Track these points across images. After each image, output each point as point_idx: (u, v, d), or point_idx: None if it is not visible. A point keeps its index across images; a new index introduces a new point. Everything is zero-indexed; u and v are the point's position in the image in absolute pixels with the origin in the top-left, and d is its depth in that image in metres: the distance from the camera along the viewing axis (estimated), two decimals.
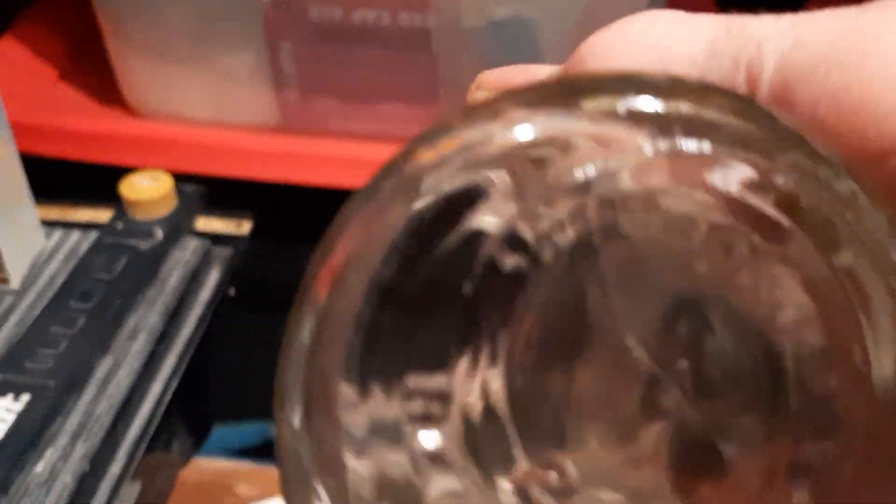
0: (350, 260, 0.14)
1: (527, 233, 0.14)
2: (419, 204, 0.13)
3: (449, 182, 0.13)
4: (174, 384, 0.46)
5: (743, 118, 0.13)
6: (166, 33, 0.67)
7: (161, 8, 0.66)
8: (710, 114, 0.13)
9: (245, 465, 0.52)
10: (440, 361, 0.14)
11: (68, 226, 0.50)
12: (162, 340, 0.46)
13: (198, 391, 0.51)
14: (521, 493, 0.15)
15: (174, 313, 0.47)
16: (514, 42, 0.65)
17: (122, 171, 0.54)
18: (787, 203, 0.13)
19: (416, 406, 0.14)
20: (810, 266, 0.13)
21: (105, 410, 0.43)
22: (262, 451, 0.58)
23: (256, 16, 0.63)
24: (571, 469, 0.15)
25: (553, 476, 0.15)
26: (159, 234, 0.48)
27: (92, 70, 0.70)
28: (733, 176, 0.13)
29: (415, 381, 0.14)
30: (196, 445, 0.52)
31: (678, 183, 0.13)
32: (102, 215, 0.51)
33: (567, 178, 0.13)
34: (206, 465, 0.51)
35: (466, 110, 0.14)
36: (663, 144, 0.13)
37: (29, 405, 0.41)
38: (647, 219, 0.14)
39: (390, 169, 0.14)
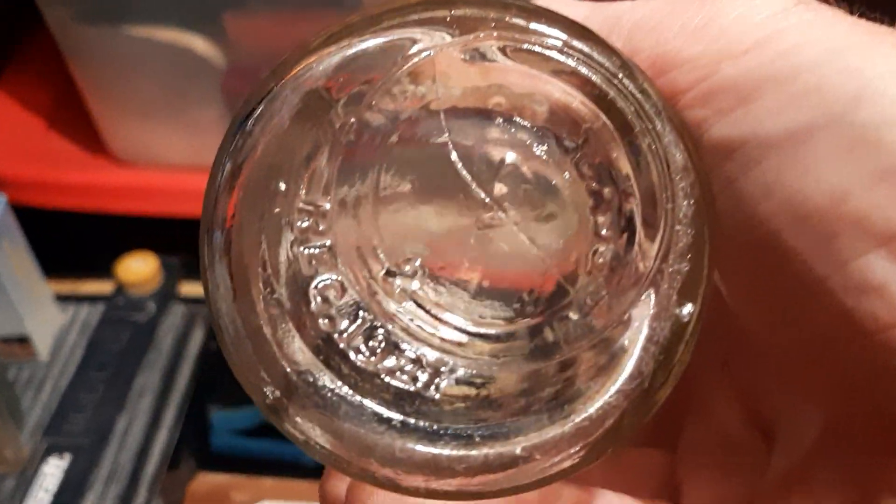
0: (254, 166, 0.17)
1: (387, 103, 0.18)
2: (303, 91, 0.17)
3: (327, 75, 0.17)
4: (179, 428, 0.60)
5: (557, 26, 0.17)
6: (138, 92, 0.72)
7: (131, 70, 0.72)
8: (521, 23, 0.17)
9: (239, 478, 0.67)
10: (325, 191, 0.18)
11: (78, 300, 0.63)
12: (163, 395, 0.60)
13: (199, 422, 0.65)
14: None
15: (171, 371, 0.60)
16: None
17: (115, 243, 0.63)
18: (588, 86, 0.17)
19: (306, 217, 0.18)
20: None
21: (127, 458, 0.57)
22: (260, 431, 0.71)
23: (215, 77, 0.71)
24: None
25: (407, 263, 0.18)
26: (152, 307, 0.61)
27: (78, 120, 0.75)
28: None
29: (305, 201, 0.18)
30: (200, 464, 0.66)
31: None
32: (104, 287, 0.63)
33: (404, 64, 0.17)
34: (209, 479, 0.65)
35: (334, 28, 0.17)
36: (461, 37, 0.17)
37: (72, 462, 0.55)
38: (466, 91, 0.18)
39: (270, 81, 0.17)
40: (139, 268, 0.61)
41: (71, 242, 0.74)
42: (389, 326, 0.18)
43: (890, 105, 0.15)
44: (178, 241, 0.70)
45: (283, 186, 0.18)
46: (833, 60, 0.16)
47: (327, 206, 0.18)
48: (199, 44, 0.71)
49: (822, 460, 0.18)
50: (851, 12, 0.18)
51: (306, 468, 0.67)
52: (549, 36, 0.17)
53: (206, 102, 0.77)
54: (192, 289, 0.64)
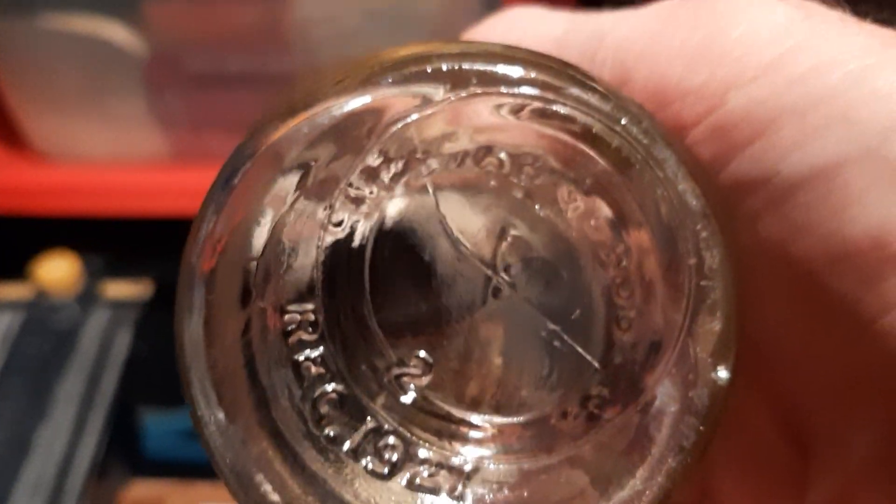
0: (235, 228, 0.15)
1: (373, 170, 0.16)
2: (285, 169, 0.16)
3: (304, 146, 0.16)
4: (107, 435, 0.57)
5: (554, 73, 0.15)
6: (57, 85, 0.71)
7: (48, 63, 0.70)
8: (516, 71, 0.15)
9: (174, 484, 0.64)
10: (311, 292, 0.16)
11: None
12: (88, 402, 0.57)
13: (129, 428, 0.62)
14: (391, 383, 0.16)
15: (96, 377, 0.57)
16: None
17: (30, 242, 0.61)
18: (588, 135, 0.15)
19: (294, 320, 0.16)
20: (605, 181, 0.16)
21: (50, 470, 0.54)
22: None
23: (137, 67, 0.69)
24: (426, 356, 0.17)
25: (415, 365, 0.17)
26: (75, 309, 0.58)
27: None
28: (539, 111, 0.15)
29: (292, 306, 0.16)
30: (133, 471, 0.63)
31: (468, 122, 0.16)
32: (22, 291, 0.60)
33: (387, 130, 0.16)
34: (142, 487, 0.63)
35: (302, 92, 0.16)
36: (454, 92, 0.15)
37: None
38: (460, 156, 0.16)
39: (250, 145, 0.16)
40: (59, 268, 0.58)
41: None
42: (401, 431, 0.16)
43: None
44: (100, 239, 0.67)
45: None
46: (856, 86, 0.15)
47: (315, 308, 0.16)
48: (117, 33, 0.68)
49: (871, 483, 0.17)
50: (857, 13, 0.16)
51: None
52: (540, 85, 0.15)
53: (129, 94, 0.75)
54: (117, 290, 0.61)
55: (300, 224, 0.16)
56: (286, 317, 0.16)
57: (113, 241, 0.66)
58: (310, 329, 0.16)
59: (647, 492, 0.16)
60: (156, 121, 0.74)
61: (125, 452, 0.62)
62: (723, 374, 0.15)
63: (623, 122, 0.15)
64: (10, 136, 0.71)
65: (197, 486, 0.64)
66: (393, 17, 0.64)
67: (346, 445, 0.16)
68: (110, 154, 0.74)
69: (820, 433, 0.18)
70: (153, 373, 0.60)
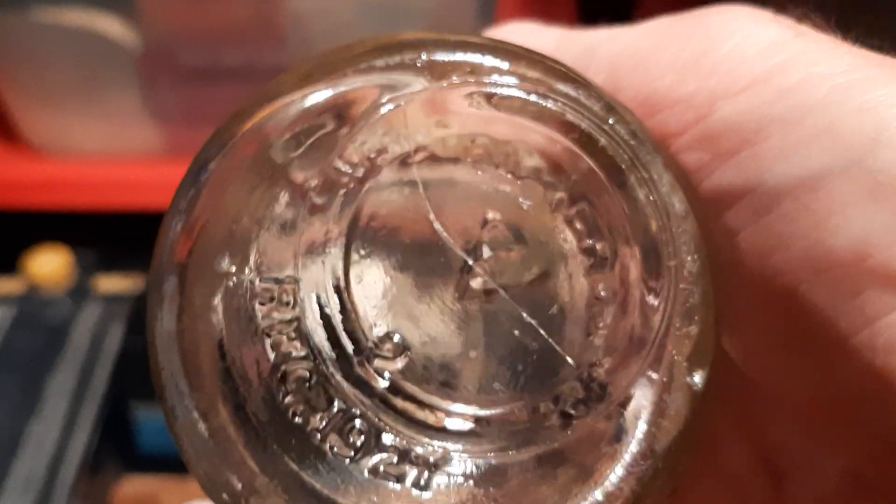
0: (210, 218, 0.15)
1: (355, 156, 0.16)
2: (262, 157, 0.15)
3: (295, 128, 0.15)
4: (99, 431, 0.56)
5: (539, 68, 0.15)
6: (51, 79, 0.71)
7: (41, 57, 0.70)
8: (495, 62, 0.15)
9: (166, 480, 0.64)
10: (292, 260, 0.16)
11: None
12: (80, 398, 0.56)
13: (123, 423, 0.62)
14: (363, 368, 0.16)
15: (88, 372, 0.57)
16: None
17: (22, 236, 0.61)
18: (576, 133, 0.15)
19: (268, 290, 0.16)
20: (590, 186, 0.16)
21: (41, 466, 0.54)
22: None
23: (131, 61, 0.68)
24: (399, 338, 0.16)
25: (388, 349, 0.16)
26: (67, 303, 0.58)
27: None
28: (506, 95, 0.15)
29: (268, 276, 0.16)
30: (126, 467, 0.63)
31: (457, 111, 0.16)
32: (14, 285, 0.60)
33: (373, 115, 0.16)
34: (136, 482, 0.62)
35: (279, 82, 0.16)
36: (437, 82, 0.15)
37: None
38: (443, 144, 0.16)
39: (224, 136, 0.15)
40: (51, 263, 0.57)
41: None
42: (369, 415, 0.16)
43: None
44: (92, 233, 0.67)
45: (233, 266, 0.16)
46: (843, 99, 0.15)
47: (290, 281, 0.16)
48: (111, 26, 0.68)
49: None
50: (846, 38, 0.16)
51: None
52: (529, 79, 0.15)
53: (122, 88, 0.75)
54: (109, 284, 0.60)
55: (278, 208, 0.16)
56: (261, 292, 0.16)
57: (105, 235, 0.66)
58: (285, 305, 0.16)
59: (618, 495, 0.15)
60: (149, 114, 0.74)
61: (118, 448, 0.62)
62: (698, 379, 0.15)
63: (611, 121, 0.15)
64: (3, 130, 0.71)
65: (191, 482, 0.63)
66: (388, 10, 0.64)
67: (313, 426, 0.16)
68: (103, 148, 0.74)
69: (793, 460, 0.18)
70: (146, 367, 0.59)
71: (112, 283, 0.61)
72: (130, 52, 0.71)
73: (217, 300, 0.16)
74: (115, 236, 0.66)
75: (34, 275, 0.59)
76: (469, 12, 0.63)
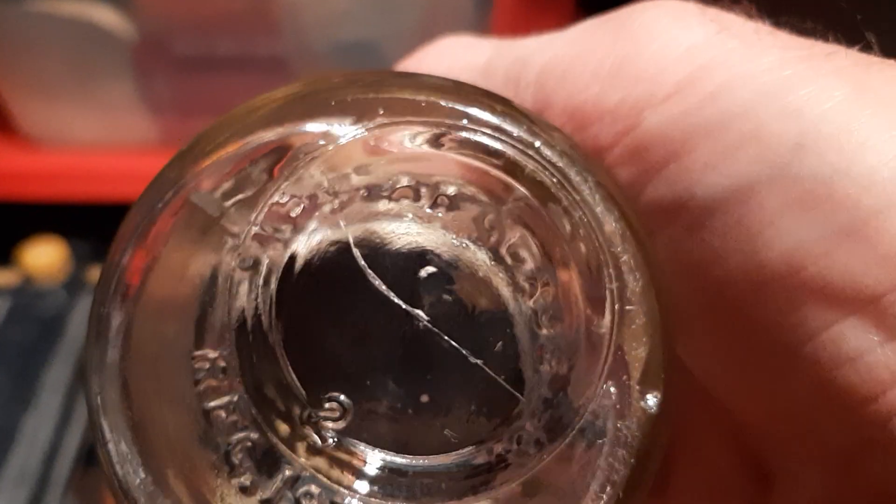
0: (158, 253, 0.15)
1: (276, 217, 0.16)
2: (193, 213, 0.15)
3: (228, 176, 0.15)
4: None
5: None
6: (45, 69, 0.71)
7: (35, 47, 0.70)
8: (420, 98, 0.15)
9: None
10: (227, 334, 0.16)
11: None
12: (76, 391, 0.56)
13: None
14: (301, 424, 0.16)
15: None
16: (361, 63, 0.72)
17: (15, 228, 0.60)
18: (502, 161, 0.15)
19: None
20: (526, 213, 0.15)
21: (36, 459, 0.54)
22: None
23: (125, 51, 0.68)
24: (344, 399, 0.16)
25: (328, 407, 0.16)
26: (62, 295, 0.57)
27: None
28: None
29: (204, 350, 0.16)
30: None
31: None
32: (8, 277, 0.59)
33: (293, 166, 0.15)
34: None
35: (224, 125, 0.16)
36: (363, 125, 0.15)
37: None
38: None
39: (169, 178, 0.16)
40: (46, 254, 0.57)
41: None
42: (320, 478, 0.16)
43: (837, 152, 0.13)
44: (87, 224, 0.66)
45: (174, 333, 0.15)
46: (768, 102, 0.14)
47: (225, 354, 0.15)
48: (106, 16, 0.68)
49: None
50: (778, 23, 0.16)
51: None
52: (450, 112, 0.15)
53: (117, 78, 0.75)
54: None
55: (209, 269, 0.15)
56: (195, 364, 0.15)
57: (100, 226, 0.65)
58: (220, 376, 0.15)
59: None
60: (144, 105, 0.74)
61: None
62: (652, 402, 0.15)
63: (537, 145, 0.15)
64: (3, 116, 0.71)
65: None
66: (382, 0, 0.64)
67: (263, 495, 0.16)
68: (98, 138, 0.74)
69: (776, 469, 0.18)
70: None
71: None
72: (125, 43, 0.71)
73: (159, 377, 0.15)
74: (110, 227, 0.65)
75: (29, 266, 0.58)
76: (460, 1, 0.63)
